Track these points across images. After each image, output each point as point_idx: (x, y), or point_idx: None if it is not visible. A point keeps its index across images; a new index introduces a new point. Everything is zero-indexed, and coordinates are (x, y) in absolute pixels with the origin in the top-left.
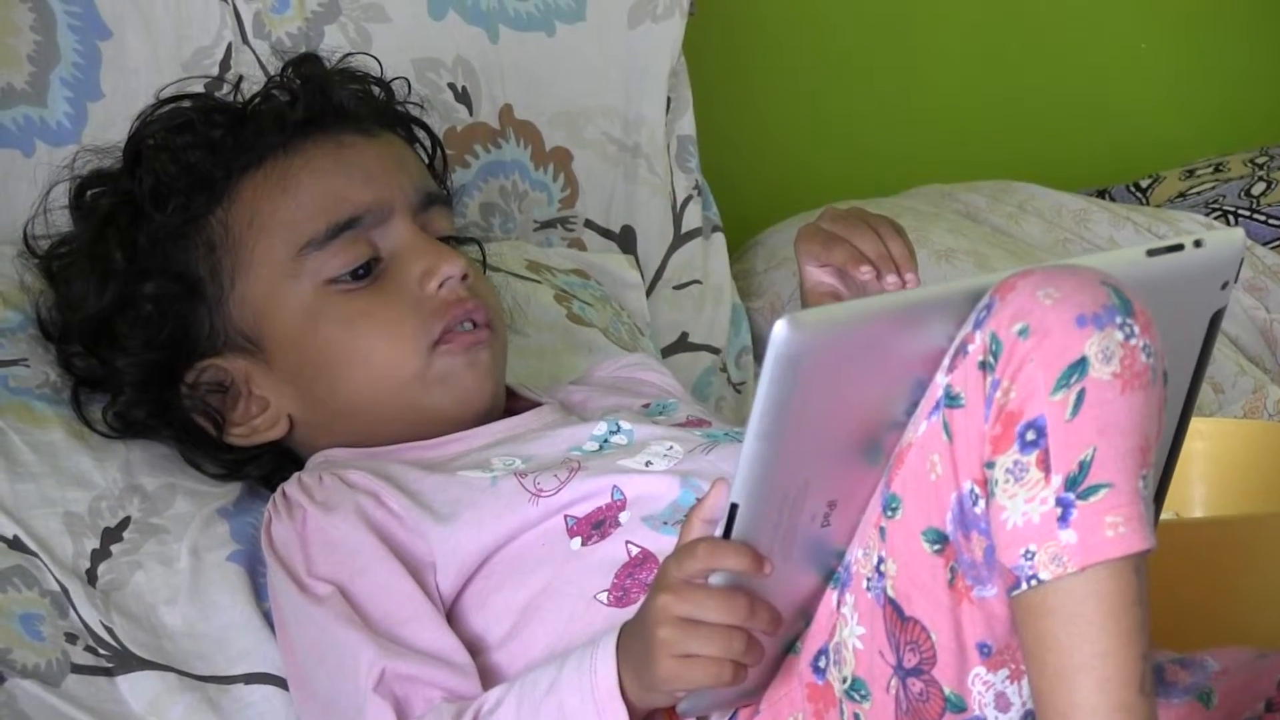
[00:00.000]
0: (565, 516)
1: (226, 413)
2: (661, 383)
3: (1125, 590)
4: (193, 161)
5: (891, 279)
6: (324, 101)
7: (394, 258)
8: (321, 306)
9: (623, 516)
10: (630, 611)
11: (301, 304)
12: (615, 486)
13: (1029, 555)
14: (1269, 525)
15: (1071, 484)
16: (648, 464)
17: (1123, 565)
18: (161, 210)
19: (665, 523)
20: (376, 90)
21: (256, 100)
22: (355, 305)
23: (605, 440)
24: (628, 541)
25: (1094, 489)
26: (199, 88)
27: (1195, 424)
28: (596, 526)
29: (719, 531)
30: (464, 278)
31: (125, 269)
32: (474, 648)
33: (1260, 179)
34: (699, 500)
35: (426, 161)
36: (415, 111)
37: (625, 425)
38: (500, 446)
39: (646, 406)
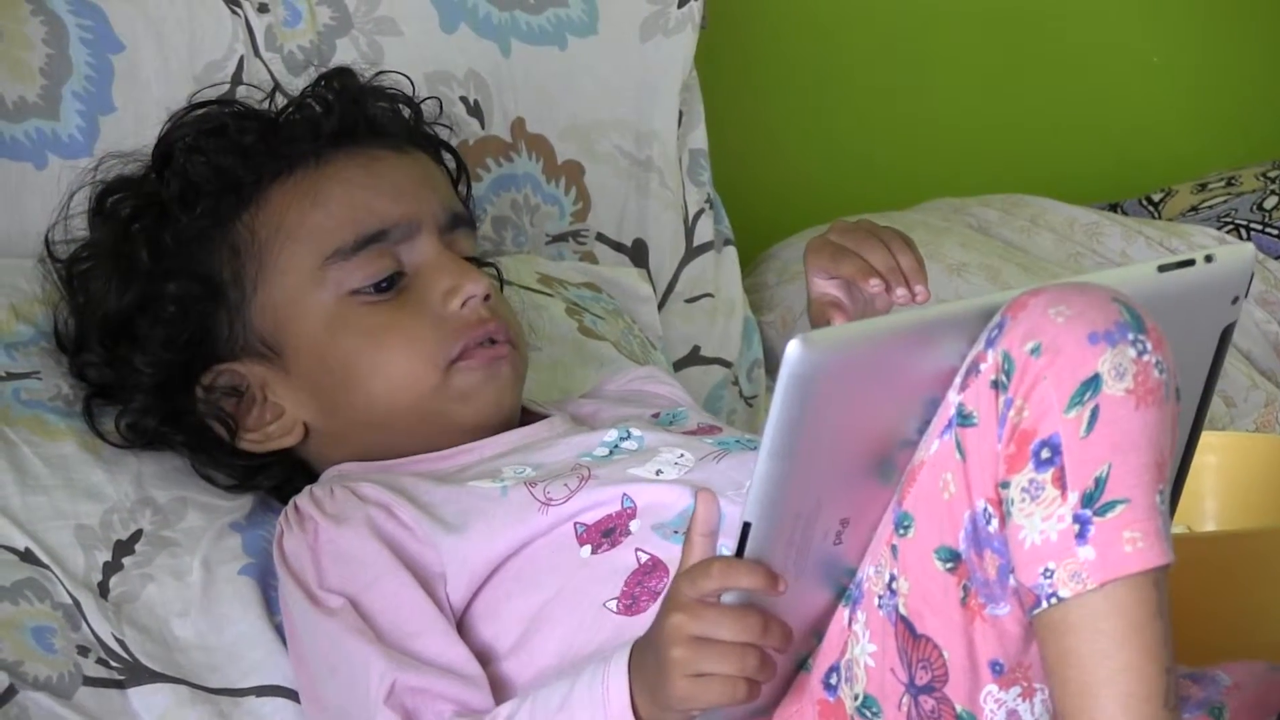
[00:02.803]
0: (575, 524)
1: (240, 418)
2: (672, 394)
3: (1146, 604)
4: (223, 165)
5: (901, 292)
6: (357, 114)
7: (418, 274)
8: (343, 317)
9: (633, 525)
10: (639, 619)
11: (323, 313)
12: (625, 495)
13: (1048, 573)
14: None
15: (1088, 501)
16: (658, 472)
17: (1142, 580)
18: (189, 212)
19: (675, 531)
20: (406, 110)
21: (290, 109)
22: (377, 318)
23: (615, 446)
24: (637, 549)
25: (1111, 505)
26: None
27: (1207, 437)
28: (606, 535)
29: (732, 550)
30: (486, 298)
31: (149, 268)
32: (484, 657)
33: (1272, 193)
34: (692, 516)
35: (452, 184)
36: (444, 134)
37: (636, 431)
38: (511, 456)
39: (656, 416)
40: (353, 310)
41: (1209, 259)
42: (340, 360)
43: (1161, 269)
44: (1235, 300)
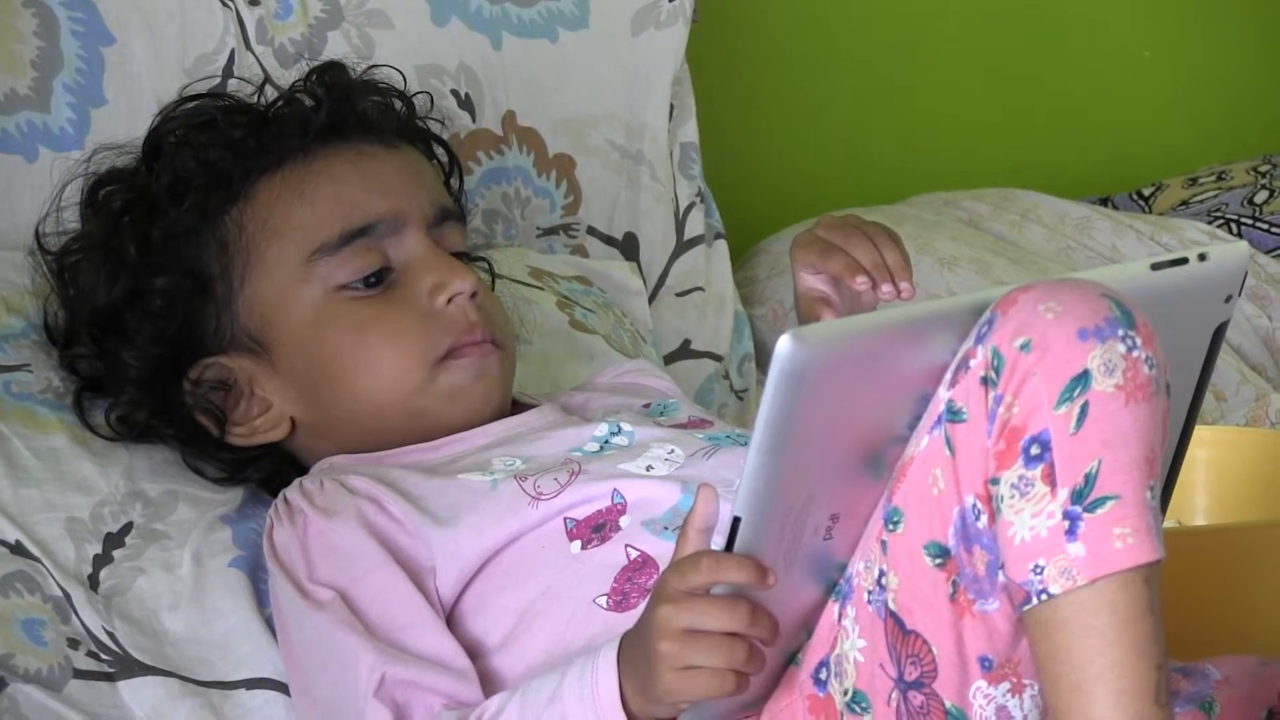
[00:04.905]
0: (565, 519)
1: (228, 411)
2: (662, 388)
3: (1136, 601)
4: (212, 159)
5: (887, 289)
6: (347, 109)
7: (405, 269)
8: (330, 312)
9: (623, 521)
10: (629, 616)
11: (310, 308)
12: (616, 490)
13: (1038, 570)
14: (1271, 533)
15: (1078, 497)
16: (648, 468)
17: (1133, 576)
18: (177, 206)
19: (666, 527)
20: (399, 104)
21: (280, 103)
22: (363, 313)
23: (606, 441)
24: (627, 545)
25: (1100, 501)
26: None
27: (1197, 432)
28: (596, 530)
29: (721, 544)
30: (473, 295)
31: (138, 262)
32: (473, 651)
33: (1263, 187)
34: (690, 510)
35: (444, 178)
36: (436, 128)
37: (626, 426)
38: (500, 447)
39: (647, 407)
40: (339, 306)
41: (1202, 257)
42: (326, 356)
43: (1155, 267)
44: (1229, 299)
